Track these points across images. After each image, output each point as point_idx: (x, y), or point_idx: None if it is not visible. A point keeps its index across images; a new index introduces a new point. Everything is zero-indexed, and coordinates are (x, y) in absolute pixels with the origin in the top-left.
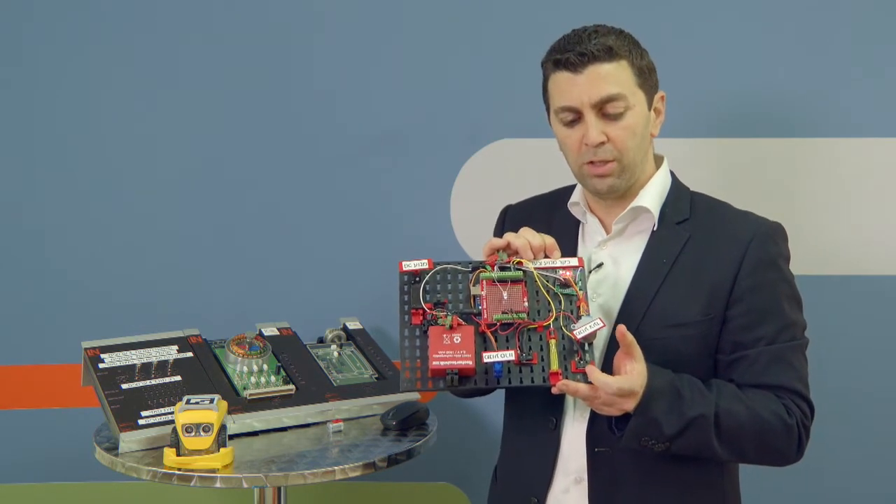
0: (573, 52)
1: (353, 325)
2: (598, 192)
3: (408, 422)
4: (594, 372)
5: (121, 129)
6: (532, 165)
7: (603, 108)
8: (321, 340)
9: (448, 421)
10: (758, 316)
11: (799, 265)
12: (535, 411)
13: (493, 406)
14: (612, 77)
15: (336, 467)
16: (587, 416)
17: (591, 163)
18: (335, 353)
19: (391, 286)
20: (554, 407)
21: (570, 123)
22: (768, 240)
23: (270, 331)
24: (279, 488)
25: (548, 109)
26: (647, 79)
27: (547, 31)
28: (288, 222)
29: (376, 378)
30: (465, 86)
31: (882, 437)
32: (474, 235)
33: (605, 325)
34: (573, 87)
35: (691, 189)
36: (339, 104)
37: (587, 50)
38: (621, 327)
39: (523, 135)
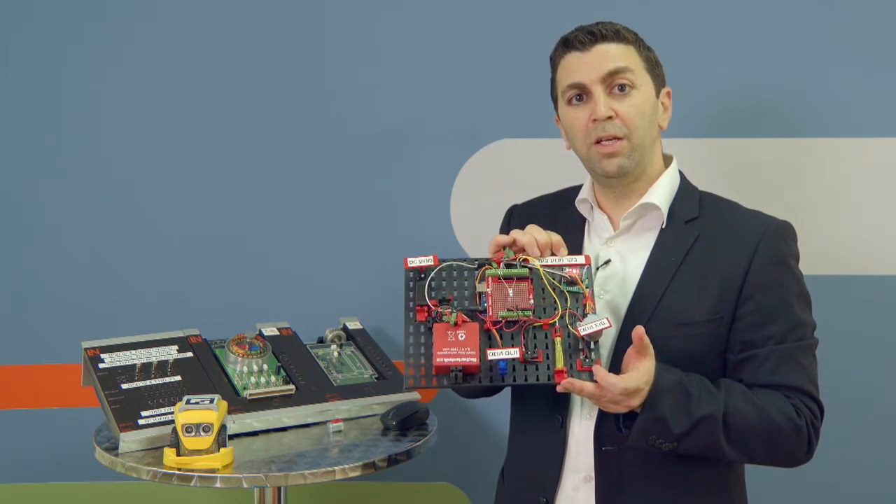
0: (582, 31)
1: (353, 325)
2: (608, 173)
3: (408, 422)
4: (600, 371)
5: (121, 129)
6: (532, 165)
7: (611, 84)
8: (321, 340)
9: (448, 421)
10: (767, 315)
11: (803, 265)
12: (541, 410)
13: (493, 406)
14: (620, 54)
15: (336, 467)
16: (595, 414)
17: (600, 142)
18: (335, 353)
19: (391, 286)
20: (560, 405)
21: (578, 103)
22: (778, 238)
23: (270, 331)
24: (279, 488)
25: (555, 105)
26: (654, 68)
27: (548, 32)
28: (288, 222)
29: (376, 378)
30: (465, 86)
31: (888, 437)
32: (474, 235)
33: (611, 326)
34: (581, 65)
35: (699, 188)
36: (340, 104)
37: (596, 30)
38: (639, 328)
39: (524, 135)
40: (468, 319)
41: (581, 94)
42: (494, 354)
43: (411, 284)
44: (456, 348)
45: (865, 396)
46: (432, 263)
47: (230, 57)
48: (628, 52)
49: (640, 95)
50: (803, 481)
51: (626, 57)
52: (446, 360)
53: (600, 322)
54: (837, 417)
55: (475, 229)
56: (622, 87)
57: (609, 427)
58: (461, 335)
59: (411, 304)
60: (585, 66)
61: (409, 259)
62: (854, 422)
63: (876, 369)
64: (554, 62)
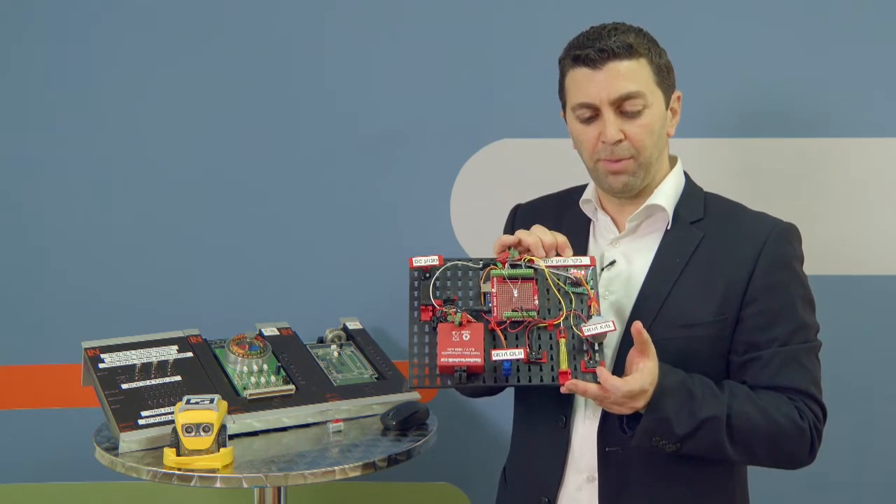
0: (593, 48)
1: (353, 325)
2: (614, 190)
3: (408, 422)
4: (603, 373)
5: (121, 129)
6: (532, 165)
7: (621, 106)
8: (321, 340)
9: (448, 421)
10: (771, 317)
11: (811, 265)
12: (545, 409)
13: (494, 406)
14: (632, 74)
15: (336, 467)
16: (598, 414)
17: (607, 159)
18: (335, 353)
19: (391, 286)
20: (564, 405)
21: (587, 120)
22: (783, 241)
23: (270, 331)
24: (279, 488)
25: (563, 106)
26: (666, 78)
27: (548, 32)
28: (288, 222)
29: (376, 378)
30: (465, 85)
31: (890, 437)
32: (474, 235)
33: (616, 329)
34: (591, 84)
35: (704, 189)
36: (340, 104)
37: (607, 46)
38: (637, 324)
39: (523, 135)
40: (473, 319)
41: (591, 114)
42: (499, 355)
43: (416, 284)
44: (460, 348)
45: (872, 398)
46: (437, 263)
47: (230, 57)
48: (640, 69)
49: (650, 114)
50: (805, 481)
51: (637, 76)
52: (450, 360)
53: (605, 324)
54: (840, 417)
55: (475, 229)
56: (632, 110)
57: (613, 427)
58: (465, 335)
59: (416, 303)
60: (596, 85)
61: (413, 258)
62: (856, 422)
63: (886, 370)
64: (563, 69)
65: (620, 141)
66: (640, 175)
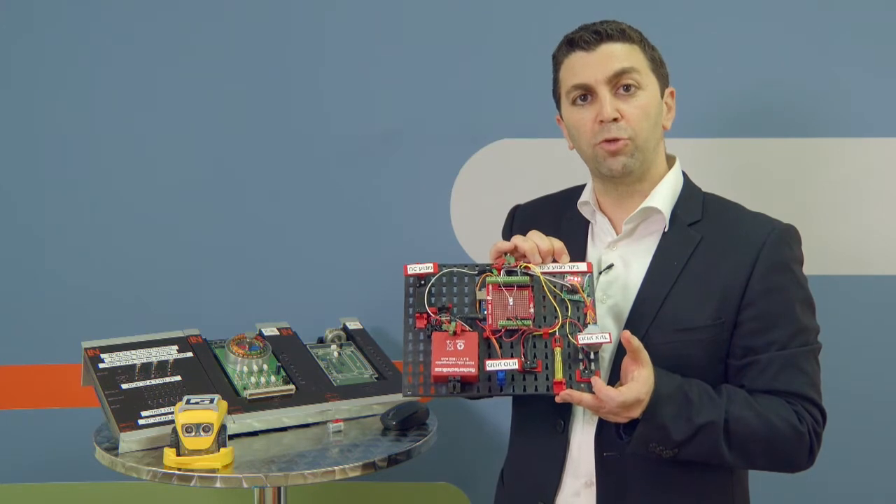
0: (587, 31)
1: (353, 325)
2: (613, 172)
3: (408, 422)
4: (598, 383)
5: (121, 129)
6: (532, 165)
7: (616, 85)
8: (321, 340)
9: (448, 421)
10: (770, 320)
11: (809, 265)
12: (543, 414)
13: (493, 406)
14: (625, 54)
15: (336, 467)
16: (596, 419)
17: (606, 141)
18: (335, 353)
19: (391, 286)
20: (562, 409)
21: (583, 104)
22: (782, 243)
23: (270, 331)
24: (279, 488)
25: (558, 105)
26: (659, 67)
27: (548, 31)
28: (288, 222)
29: (376, 378)
30: (465, 85)
31: (890, 437)
32: (474, 235)
33: (611, 342)
34: (586, 66)
35: (703, 189)
36: (340, 104)
37: (601, 29)
38: (626, 333)
39: (523, 135)
40: (467, 328)
41: (586, 94)
42: (493, 365)
43: (411, 290)
44: (454, 358)
45: (872, 398)
46: (432, 271)
47: (230, 58)
48: (633, 52)
49: (645, 96)
50: (807, 484)
51: (631, 57)
52: (444, 369)
53: (601, 336)
54: (840, 418)
55: (475, 229)
56: (628, 88)
57: (610, 433)
58: (460, 345)
59: (411, 310)
60: (591, 66)
61: (408, 266)
62: (856, 423)
63: (887, 371)
64: (557, 61)
65: (617, 120)
66: (638, 157)
